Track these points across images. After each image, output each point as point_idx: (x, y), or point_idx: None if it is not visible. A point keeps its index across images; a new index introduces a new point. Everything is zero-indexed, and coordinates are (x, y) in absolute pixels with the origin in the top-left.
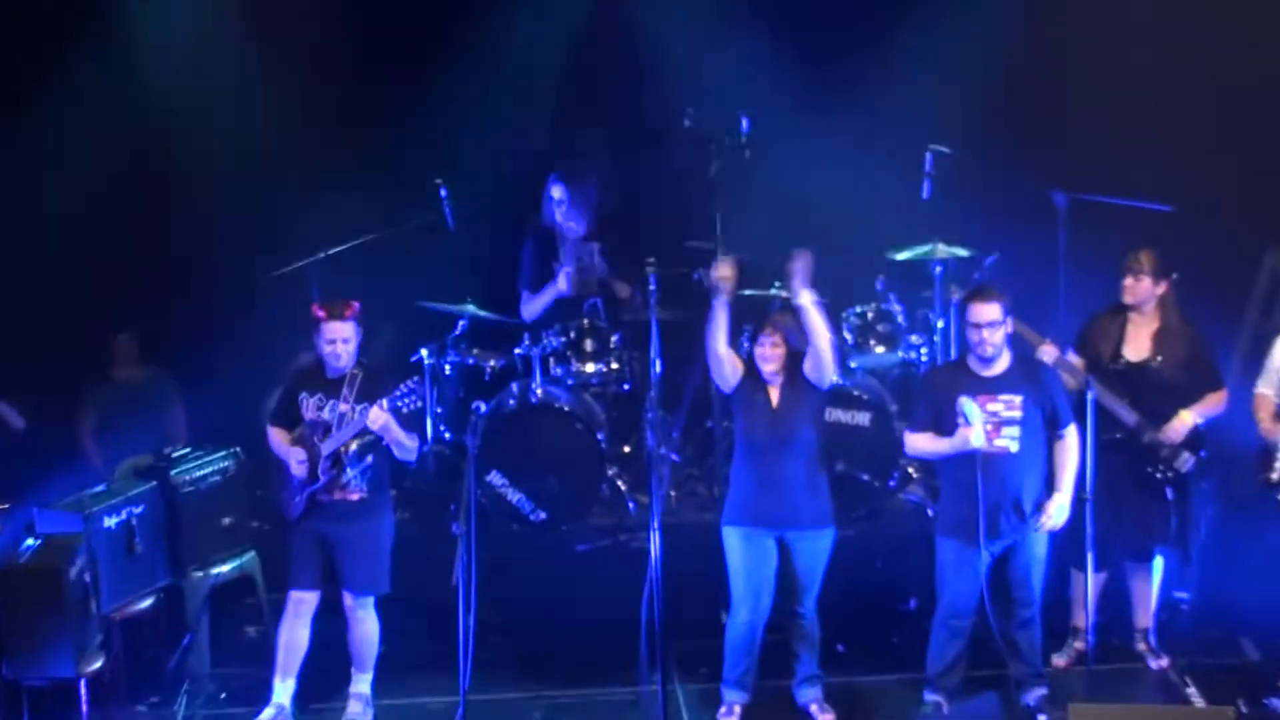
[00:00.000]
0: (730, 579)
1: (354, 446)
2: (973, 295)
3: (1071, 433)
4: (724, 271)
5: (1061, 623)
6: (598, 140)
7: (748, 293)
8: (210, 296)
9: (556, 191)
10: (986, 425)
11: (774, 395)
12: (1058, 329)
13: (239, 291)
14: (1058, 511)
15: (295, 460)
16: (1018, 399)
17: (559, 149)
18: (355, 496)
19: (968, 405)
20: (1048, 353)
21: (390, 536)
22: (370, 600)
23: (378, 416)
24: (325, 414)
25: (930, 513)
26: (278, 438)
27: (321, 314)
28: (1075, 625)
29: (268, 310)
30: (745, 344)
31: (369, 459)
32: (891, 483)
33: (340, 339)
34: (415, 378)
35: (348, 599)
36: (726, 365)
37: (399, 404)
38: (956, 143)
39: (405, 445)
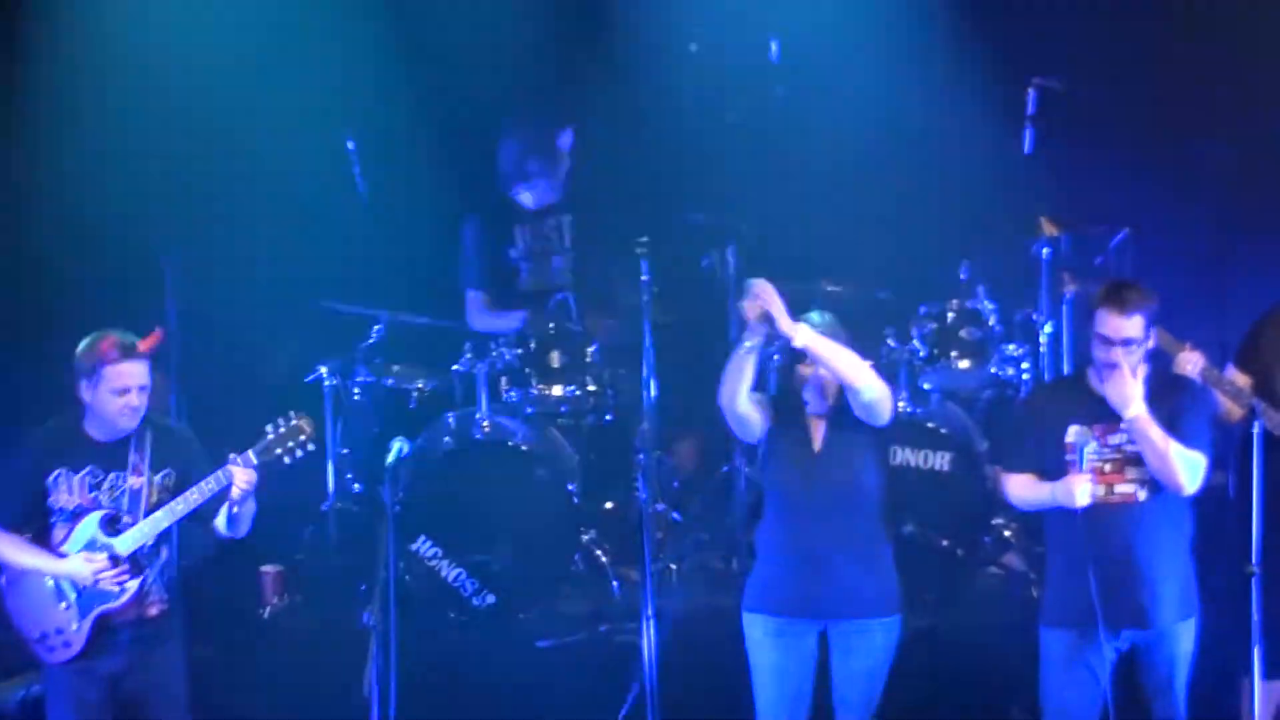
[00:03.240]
0: (754, 687)
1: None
2: (1108, 297)
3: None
4: (754, 308)
5: None
6: (568, 76)
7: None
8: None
9: (566, 140)
10: (1105, 464)
11: (816, 432)
12: (1217, 333)
13: (69, 290)
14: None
15: (91, 571)
16: None
17: (514, 89)
18: (156, 610)
19: (1080, 436)
20: (1190, 362)
21: (186, 659)
22: None
23: (248, 478)
24: (104, 495)
25: (1035, 592)
26: (15, 548)
27: (111, 352)
28: None
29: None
30: (776, 359)
31: (164, 553)
32: (981, 550)
33: (137, 386)
34: (289, 413)
35: None
36: (749, 422)
37: (277, 454)
38: (1071, 76)
39: (249, 515)
